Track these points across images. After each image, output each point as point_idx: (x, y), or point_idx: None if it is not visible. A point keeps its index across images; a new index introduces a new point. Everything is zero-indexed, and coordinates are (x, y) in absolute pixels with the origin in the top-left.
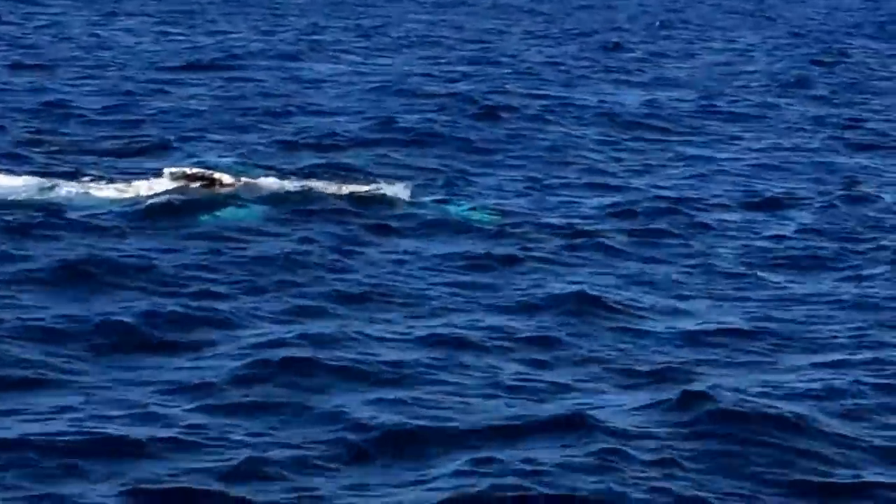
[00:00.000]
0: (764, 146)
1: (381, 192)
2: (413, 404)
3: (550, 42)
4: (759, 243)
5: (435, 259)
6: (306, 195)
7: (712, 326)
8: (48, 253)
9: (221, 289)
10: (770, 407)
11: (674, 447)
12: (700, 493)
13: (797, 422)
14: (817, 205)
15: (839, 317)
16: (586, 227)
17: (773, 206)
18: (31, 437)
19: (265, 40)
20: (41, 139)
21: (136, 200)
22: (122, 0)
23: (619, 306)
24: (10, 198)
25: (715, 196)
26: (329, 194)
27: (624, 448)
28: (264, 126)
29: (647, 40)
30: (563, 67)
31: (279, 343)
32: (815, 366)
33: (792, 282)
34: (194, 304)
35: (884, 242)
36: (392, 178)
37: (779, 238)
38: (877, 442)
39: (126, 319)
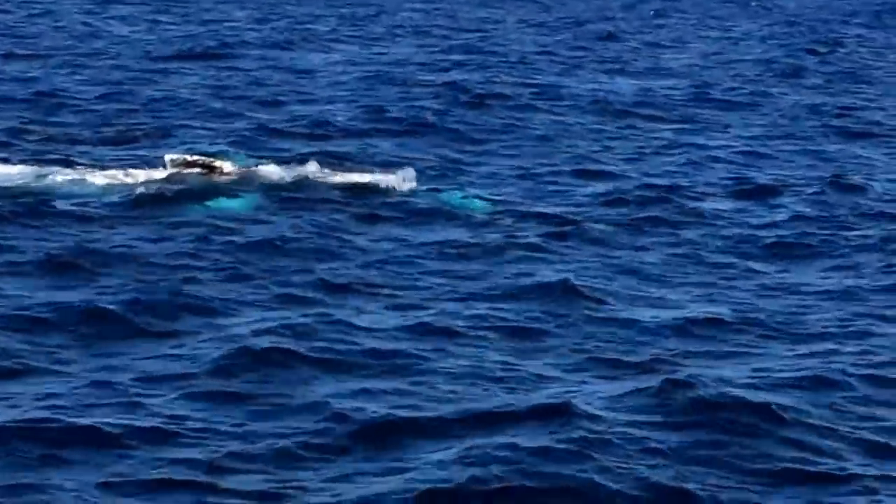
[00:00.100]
0: (756, 134)
1: (375, 181)
2: (396, 394)
3: (545, 31)
4: (748, 232)
5: (424, 248)
6: (301, 184)
7: (698, 316)
8: (38, 241)
9: (209, 277)
10: (755, 397)
11: (658, 436)
12: (683, 482)
13: (782, 412)
14: (807, 193)
15: (826, 306)
16: (576, 216)
17: (763, 194)
18: (14, 426)
19: (258, 29)
20: (34, 128)
21: (131, 188)
22: None
23: (606, 296)
24: (2, 186)
25: (705, 184)
26: (323, 183)
27: (608, 437)
28: (257, 115)
29: (641, 29)
30: (556, 56)
31: (263, 332)
32: (800, 356)
33: (781, 271)
34: (180, 292)
35: (872, 232)
36: (385, 167)
37: (768, 227)
38: (862, 433)
39: (111, 308)
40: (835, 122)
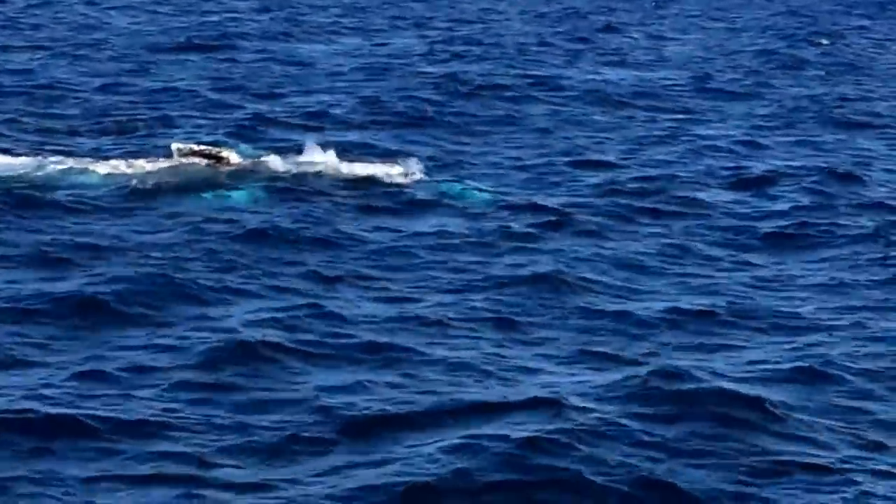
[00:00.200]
0: (755, 125)
1: (380, 172)
2: (388, 386)
3: (546, 22)
4: (745, 223)
5: (420, 239)
6: (305, 175)
7: (692, 308)
8: (33, 232)
9: (204, 268)
10: (747, 389)
11: (649, 429)
12: (673, 474)
13: (773, 405)
14: (806, 184)
15: (821, 299)
16: (573, 208)
17: (761, 185)
18: (4, 418)
19: (259, 20)
20: (35, 119)
21: (132, 179)
22: None
23: (599, 287)
24: (3, 177)
25: (704, 175)
26: (327, 174)
27: (599, 429)
28: (257, 106)
29: (643, 20)
30: (557, 48)
31: (255, 324)
32: (793, 349)
33: (777, 263)
34: (174, 283)
35: (870, 224)
36: (386, 159)
37: (766, 218)
38: (854, 427)
39: (103, 299)
40: (835, 113)
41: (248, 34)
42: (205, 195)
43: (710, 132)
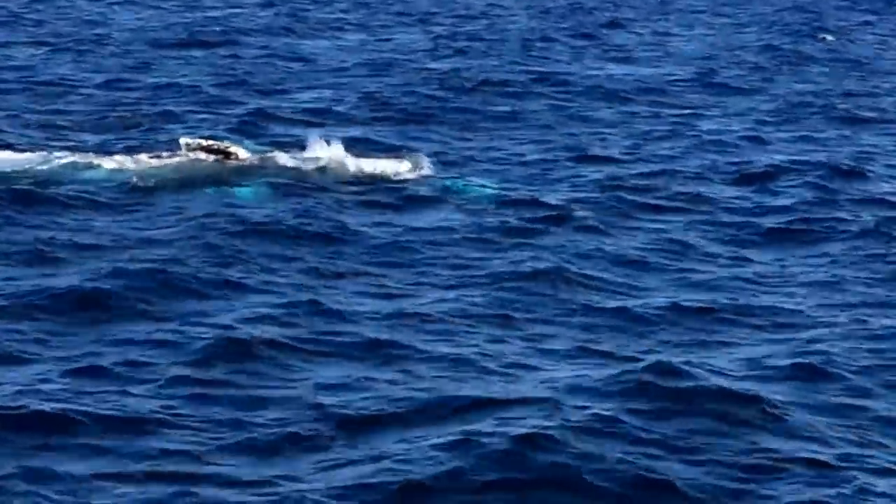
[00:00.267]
0: (759, 119)
1: (379, 168)
2: (384, 383)
3: (550, 18)
4: (747, 219)
5: (422, 234)
6: (312, 171)
7: (689, 304)
8: (33, 228)
9: (203, 264)
10: (745, 386)
11: (646, 426)
12: (670, 471)
13: (771, 402)
14: (807, 180)
15: (822, 295)
16: (575, 203)
17: (762, 180)
18: (3, 413)
19: (263, 16)
20: (38, 115)
21: (136, 174)
22: None
23: (599, 283)
24: (6, 173)
25: (706, 170)
26: (333, 170)
27: (596, 426)
28: (261, 101)
29: (647, 16)
30: (561, 43)
31: (254, 320)
32: (792, 345)
33: (777, 259)
34: (173, 279)
35: (872, 221)
36: (390, 154)
37: (768, 214)
38: (852, 424)
39: (100, 294)
40: (839, 109)
41: (252, 30)
42: (210, 190)
43: (714, 127)
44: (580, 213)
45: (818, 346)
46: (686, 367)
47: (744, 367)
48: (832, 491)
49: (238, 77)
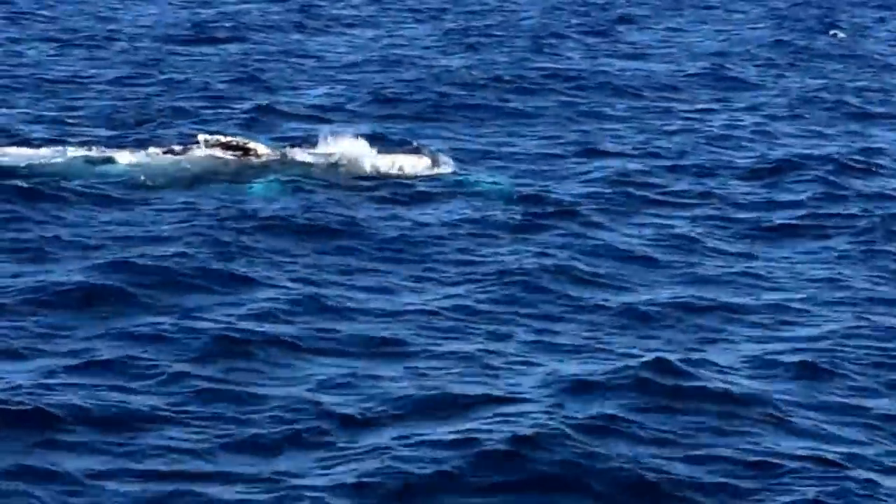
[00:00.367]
0: (769, 115)
1: (390, 163)
2: (385, 380)
3: (563, 14)
4: (753, 214)
5: (431, 229)
6: (319, 167)
7: (694, 301)
8: (41, 223)
9: (210, 260)
10: (747, 383)
11: (645, 423)
12: (669, 469)
13: (773, 400)
14: (816, 175)
15: (826, 292)
16: (585, 198)
17: (772, 175)
18: (3, 409)
19: (273, 12)
20: (51, 111)
21: (152, 170)
22: None
23: (605, 279)
24: (19, 168)
25: (715, 166)
26: (348, 166)
27: (596, 424)
28: (271, 97)
29: (658, 12)
30: (572, 40)
31: (252, 317)
32: (794, 342)
33: (783, 256)
34: (179, 274)
35: (878, 214)
36: (401, 150)
37: (774, 209)
38: (852, 421)
39: (104, 290)
40: (850, 104)
41: (263, 26)
42: (221, 186)
43: (724, 123)
44: (589, 209)
45: (824, 344)
46: (691, 366)
47: (748, 365)
48: (837, 489)
49: (249, 73)
